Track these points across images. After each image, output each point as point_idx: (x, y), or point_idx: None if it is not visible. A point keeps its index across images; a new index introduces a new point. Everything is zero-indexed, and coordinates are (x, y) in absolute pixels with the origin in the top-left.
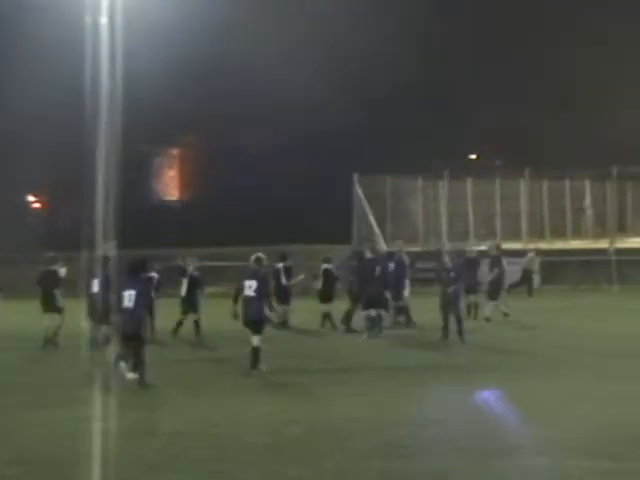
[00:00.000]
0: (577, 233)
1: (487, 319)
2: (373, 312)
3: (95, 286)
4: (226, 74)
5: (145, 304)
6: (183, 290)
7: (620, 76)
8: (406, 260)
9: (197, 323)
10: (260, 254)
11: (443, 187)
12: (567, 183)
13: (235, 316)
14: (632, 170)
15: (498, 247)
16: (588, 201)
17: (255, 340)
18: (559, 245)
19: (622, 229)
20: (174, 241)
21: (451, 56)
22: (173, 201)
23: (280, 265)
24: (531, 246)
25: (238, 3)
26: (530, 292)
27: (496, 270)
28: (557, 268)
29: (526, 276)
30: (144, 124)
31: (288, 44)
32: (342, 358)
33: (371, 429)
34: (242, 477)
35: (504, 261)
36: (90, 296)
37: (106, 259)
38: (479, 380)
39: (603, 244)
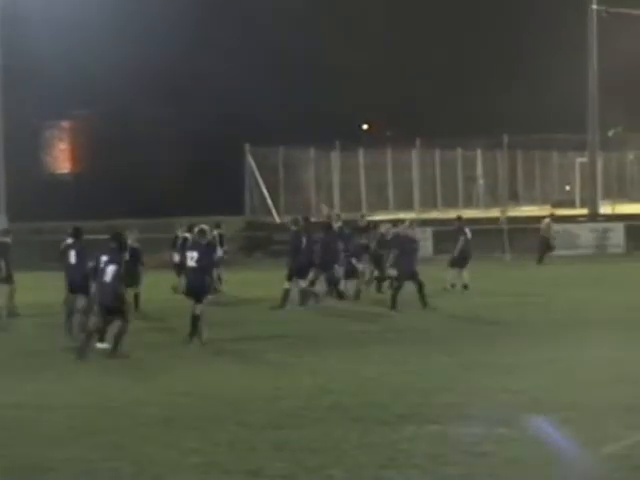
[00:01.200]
0: (469, 202)
1: (465, 286)
2: (287, 284)
3: (72, 257)
4: (119, 47)
5: (121, 276)
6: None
7: (508, 45)
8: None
9: (137, 296)
10: (204, 226)
11: (335, 158)
12: (459, 152)
13: (175, 289)
14: (522, 139)
15: (460, 217)
16: (479, 170)
17: (198, 309)
18: (451, 214)
19: (513, 198)
20: (64, 214)
21: (344, 29)
22: (64, 174)
23: (187, 234)
24: (545, 213)
25: None
26: (540, 260)
27: (461, 239)
28: (449, 238)
29: (543, 243)
30: (36, 97)
31: (179, 14)
32: (253, 329)
33: (266, 399)
34: (137, 450)
35: (467, 230)
36: (67, 267)
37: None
38: (378, 351)
39: (495, 213)
